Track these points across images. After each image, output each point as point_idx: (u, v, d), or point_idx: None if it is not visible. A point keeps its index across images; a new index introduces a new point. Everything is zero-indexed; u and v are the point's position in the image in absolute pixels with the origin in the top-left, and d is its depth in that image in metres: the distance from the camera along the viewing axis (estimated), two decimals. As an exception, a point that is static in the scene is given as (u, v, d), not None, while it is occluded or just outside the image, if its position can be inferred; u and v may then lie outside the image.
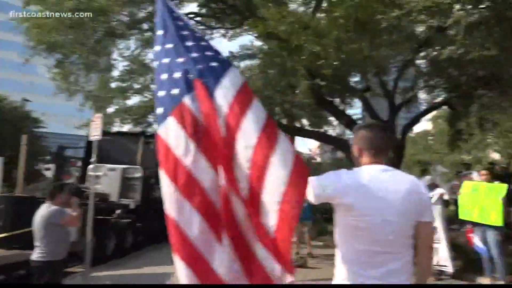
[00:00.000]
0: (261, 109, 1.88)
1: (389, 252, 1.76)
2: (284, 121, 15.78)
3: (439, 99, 13.32)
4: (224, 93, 1.80)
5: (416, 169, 25.70)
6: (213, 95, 1.79)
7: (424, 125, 30.79)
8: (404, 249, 1.81)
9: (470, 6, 5.85)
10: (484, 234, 6.06)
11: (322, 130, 17.35)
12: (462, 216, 6.41)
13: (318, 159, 39.78)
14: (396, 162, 11.58)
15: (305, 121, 18.48)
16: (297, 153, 1.89)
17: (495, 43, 7.19)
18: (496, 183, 6.27)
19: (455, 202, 7.11)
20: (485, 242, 6.06)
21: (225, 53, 17.07)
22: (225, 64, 1.96)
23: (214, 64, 1.88)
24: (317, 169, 18.04)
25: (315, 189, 1.86)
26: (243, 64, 14.55)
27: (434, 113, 22.92)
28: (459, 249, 6.85)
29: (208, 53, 1.91)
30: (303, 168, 1.84)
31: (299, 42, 6.29)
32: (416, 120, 14.07)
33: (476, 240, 6.23)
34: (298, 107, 12.65)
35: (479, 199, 6.12)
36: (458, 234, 7.61)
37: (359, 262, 1.77)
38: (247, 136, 1.75)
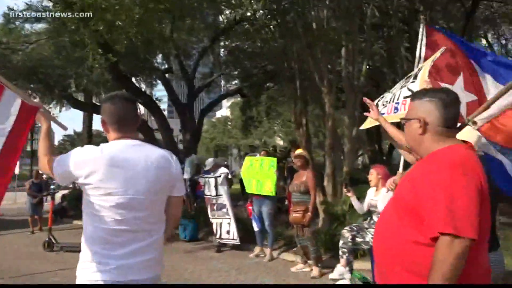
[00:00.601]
0: None
1: (136, 230, 1.70)
2: (81, 97, 14.43)
3: (234, 87, 14.52)
4: None
5: (213, 151, 27.62)
6: None
7: (225, 111, 33.25)
8: (154, 226, 1.77)
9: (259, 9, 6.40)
10: (260, 207, 6.79)
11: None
12: (247, 189, 7.05)
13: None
14: (192, 145, 12.09)
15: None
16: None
17: (274, 42, 8.18)
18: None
19: (241, 181, 7.79)
20: (260, 214, 6.80)
21: (3, 8, 14.33)
22: None
23: None
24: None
25: (57, 168, 1.69)
26: (29, 26, 12.60)
27: (233, 100, 24.96)
28: (242, 223, 7.50)
29: None
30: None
31: (87, 9, 5.67)
32: (212, 105, 14.93)
33: (253, 213, 6.97)
34: (95, 83, 11.71)
35: (255, 172, 6.91)
36: (242, 210, 8.32)
37: (104, 242, 1.67)
38: None
